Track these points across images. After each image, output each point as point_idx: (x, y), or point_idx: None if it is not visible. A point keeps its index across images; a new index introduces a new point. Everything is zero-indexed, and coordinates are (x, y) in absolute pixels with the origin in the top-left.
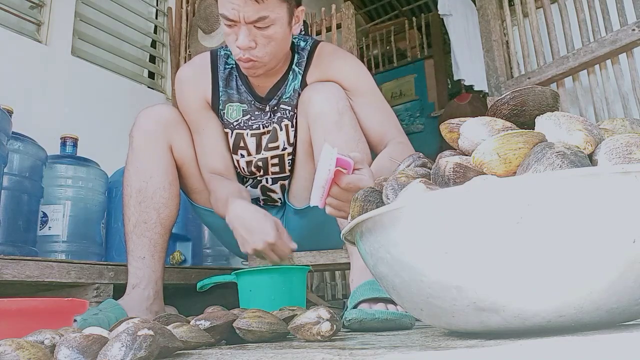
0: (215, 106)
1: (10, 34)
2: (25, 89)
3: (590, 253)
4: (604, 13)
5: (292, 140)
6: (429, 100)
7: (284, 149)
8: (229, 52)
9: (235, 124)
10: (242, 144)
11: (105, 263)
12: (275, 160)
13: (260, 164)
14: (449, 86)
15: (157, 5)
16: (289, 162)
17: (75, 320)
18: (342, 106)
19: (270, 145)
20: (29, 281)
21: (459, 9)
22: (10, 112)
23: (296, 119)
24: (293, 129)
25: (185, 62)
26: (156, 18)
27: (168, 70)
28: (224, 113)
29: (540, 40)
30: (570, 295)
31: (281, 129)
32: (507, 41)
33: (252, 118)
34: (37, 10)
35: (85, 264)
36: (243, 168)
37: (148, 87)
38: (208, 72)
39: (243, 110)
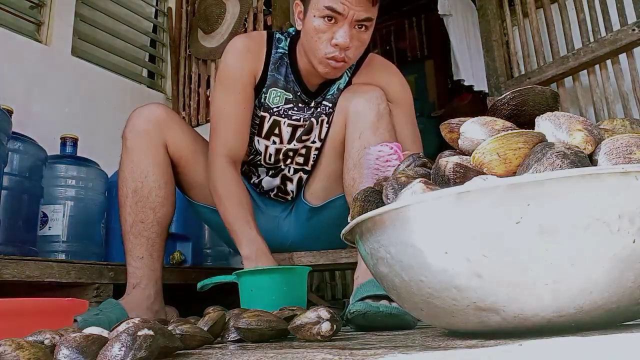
0: (260, 86)
1: (10, 34)
2: (25, 89)
3: (590, 253)
4: (604, 13)
5: (323, 136)
6: (429, 100)
7: (313, 142)
8: (282, 38)
9: (274, 109)
10: (276, 131)
11: (105, 263)
12: (303, 151)
13: (290, 153)
14: (449, 86)
15: (157, 5)
16: (313, 157)
17: (75, 321)
18: (382, 109)
19: (304, 137)
20: (29, 281)
21: (458, 9)
22: (10, 112)
23: (333, 115)
24: (327, 125)
25: (185, 62)
26: (156, 18)
27: (168, 70)
28: (265, 96)
29: (540, 40)
30: (570, 295)
31: (317, 123)
32: (507, 41)
33: (295, 109)
34: (37, 10)
35: (85, 264)
36: (271, 154)
37: (148, 87)
38: (263, 49)
39: (286, 98)
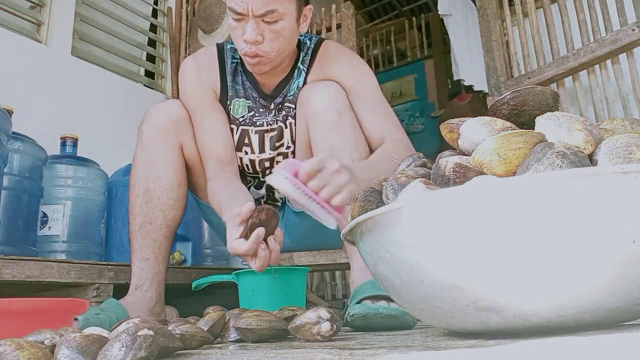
0: (223, 100)
1: (10, 34)
2: (25, 89)
3: (590, 253)
4: (604, 13)
5: (294, 138)
6: (429, 100)
7: (288, 147)
8: (235, 47)
9: (240, 120)
10: (246, 141)
11: (105, 263)
12: (280, 159)
13: (267, 164)
14: (449, 86)
15: (157, 5)
16: None
17: (76, 319)
18: (340, 105)
19: (277, 144)
20: (29, 281)
21: (458, 9)
22: (10, 112)
23: None
24: (295, 127)
25: None
26: (156, 17)
27: (168, 70)
28: (230, 108)
29: (540, 40)
30: (570, 295)
31: (286, 127)
32: (507, 41)
33: (257, 115)
34: (37, 10)
35: (85, 264)
36: (247, 165)
37: (148, 87)
38: (215, 64)
39: (248, 106)
